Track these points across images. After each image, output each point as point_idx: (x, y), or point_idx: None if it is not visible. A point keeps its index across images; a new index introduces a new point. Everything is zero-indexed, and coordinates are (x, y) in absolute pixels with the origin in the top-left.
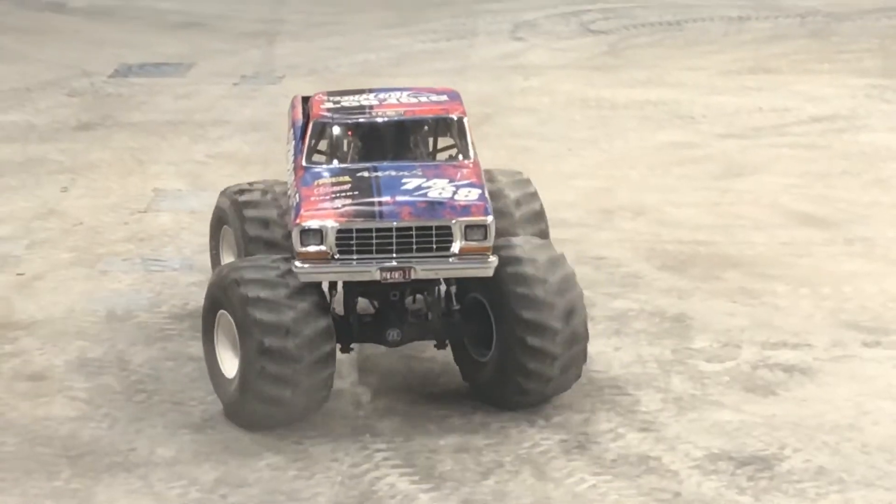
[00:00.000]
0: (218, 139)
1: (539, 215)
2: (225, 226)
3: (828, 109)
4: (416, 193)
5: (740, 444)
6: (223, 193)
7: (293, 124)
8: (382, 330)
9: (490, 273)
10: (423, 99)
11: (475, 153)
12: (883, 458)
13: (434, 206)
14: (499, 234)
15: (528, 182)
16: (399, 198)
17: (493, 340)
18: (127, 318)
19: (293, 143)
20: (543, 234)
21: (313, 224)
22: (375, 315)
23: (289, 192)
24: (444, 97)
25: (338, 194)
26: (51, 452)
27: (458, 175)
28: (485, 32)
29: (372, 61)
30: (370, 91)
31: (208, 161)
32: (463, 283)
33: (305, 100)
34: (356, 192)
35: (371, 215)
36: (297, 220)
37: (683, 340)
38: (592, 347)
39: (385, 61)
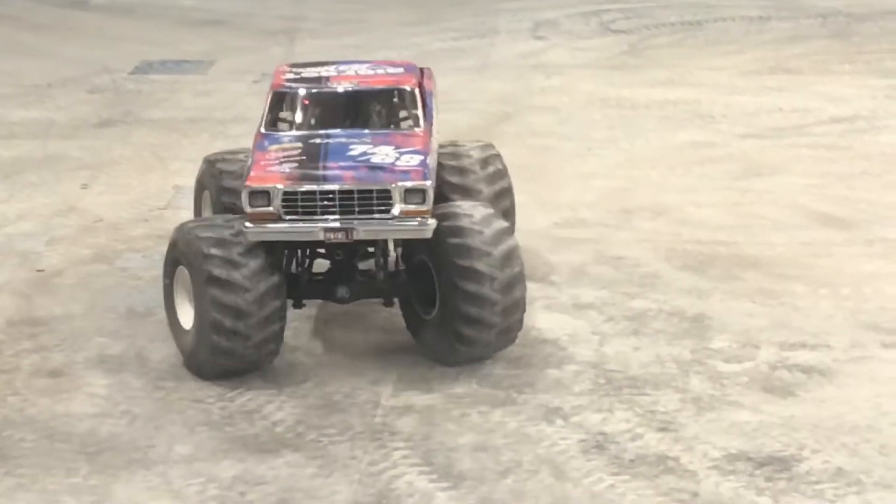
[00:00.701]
0: (238, 136)
1: (506, 192)
2: (205, 190)
3: (848, 110)
4: (360, 159)
5: (759, 445)
6: (204, 160)
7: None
8: (332, 287)
9: (429, 235)
10: (380, 71)
11: (427, 123)
12: None
13: (375, 170)
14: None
15: (497, 157)
16: (343, 163)
17: (436, 299)
18: (147, 315)
19: None
20: (508, 212)
21: (261, 186)
22: (327, 273)
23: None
24: (401, 70)
25: (286, 159)
26: (70, 449)
27: (406, 143)
28: (505, 31)
29: (393, 59)
30: (332, 63)
31: None
32: (410, 245)
33: None
34: (304, 158)
35: (315, 178)
36: (247, 183)
37: (702, 341)
38: (611, 347)
39: (406, 59)
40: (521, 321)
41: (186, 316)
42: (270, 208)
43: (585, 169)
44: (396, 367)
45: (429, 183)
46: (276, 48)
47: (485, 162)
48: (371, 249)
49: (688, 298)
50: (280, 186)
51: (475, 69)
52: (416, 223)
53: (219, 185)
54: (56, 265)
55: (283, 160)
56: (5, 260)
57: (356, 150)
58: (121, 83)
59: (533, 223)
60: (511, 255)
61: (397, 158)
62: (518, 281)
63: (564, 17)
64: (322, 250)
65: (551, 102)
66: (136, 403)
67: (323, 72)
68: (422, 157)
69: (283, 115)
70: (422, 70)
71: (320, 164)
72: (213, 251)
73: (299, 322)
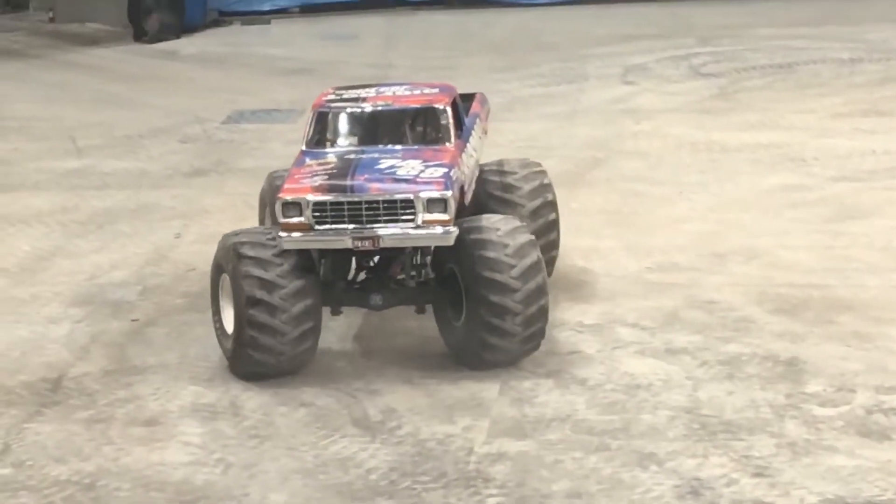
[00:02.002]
0: None
1: (550, 205)
2: (267, 207)
3: None
4: (387, 172)
5: (855, 490)
6: (268, 176)
7: None
8: (366, 295)
9: (450, 242)
10: (417, 92)
11: (459, 140)
12: None
13: (399, 182)
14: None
15: (543, 173)
16: (369, 175)
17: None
18: None
19: None
20: (551, 225)
21: (293, 197)
22: (362, 282)
23: None
24: (436, 90)
25: (318, 172)
26: (164, 497)
27: (434, 157)
28: (595, 76)
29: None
30: (374, 86)
31: None
32: (439, 255)
33: None
34: (335, 171)
35: (343, 189)
36: (279, 195)
37: (797, 385)
38: (705, 392)
39: (495, 106)
40: (543, 330)
41: (229, 321)
42: (302, 218)
43: (676, 213)
44: (489, 413)
45: (449, 193)
46: None
47: (528, 178)
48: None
49: (781, 342)
50: (310, 197)
51: (565, 115)
52: (439, 231)
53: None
54: (149, 315)
55: (315, 174)
56: (99, 310)
57: (384, 164)
58: (212, 133)
59: (625, 268)
60: (533, 268)
61: (422, 171)
62: (540, 292)
63: (654, 62)
64: (368, 264)
65: (642, 147)
66: (230, 452)
67: (363, 93)
68: (445, 170)
69: (324, 133)
70: (474, 94)
71: (349, 177)
72: (249, 253)
73: (389, 367)
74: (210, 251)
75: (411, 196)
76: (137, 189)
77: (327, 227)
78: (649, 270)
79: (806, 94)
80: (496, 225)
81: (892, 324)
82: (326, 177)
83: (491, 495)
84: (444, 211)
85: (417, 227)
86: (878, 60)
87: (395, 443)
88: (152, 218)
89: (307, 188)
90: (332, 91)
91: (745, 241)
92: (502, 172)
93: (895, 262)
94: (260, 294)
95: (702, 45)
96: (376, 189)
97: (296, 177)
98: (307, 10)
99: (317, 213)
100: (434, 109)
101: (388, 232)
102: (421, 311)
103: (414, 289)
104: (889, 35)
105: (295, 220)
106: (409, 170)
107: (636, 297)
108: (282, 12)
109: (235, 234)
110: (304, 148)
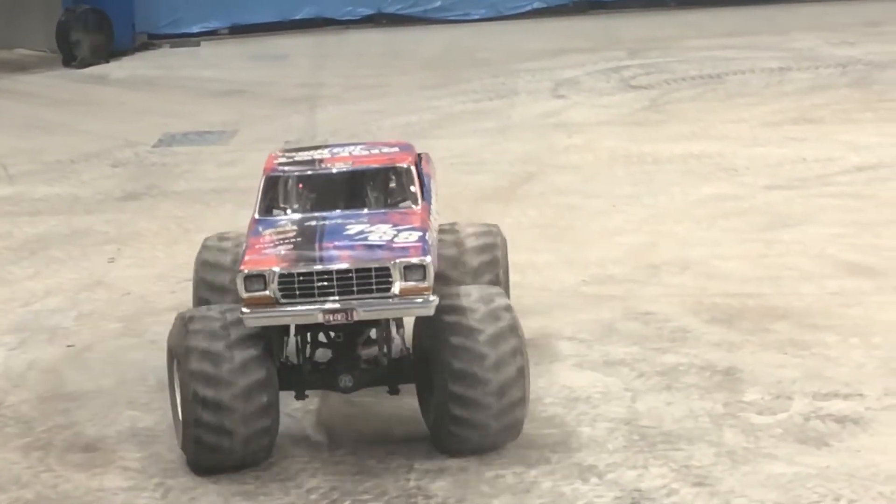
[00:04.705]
0: None
1: (494, 262)
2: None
3: (872, 158)
4: (357, 238)
5: (795, 497)
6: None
7: None
8: (335, 376)
9: (431, 312)
10: (375, 151)
11: (424, 201)
12: None
13: (373, 248)
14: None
15: (495, 233)
16: (339, 243)
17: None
18: None
19: None
20: (494, 281)
21: (256, 270)
22: (329, 362)
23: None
24: (395, 149)
25: (281, 241)
26: None
27: (403, 221)
28: (526, 91)
29: (414, 123)
30: (325, 147)
31: None
32: (416, 331)
33: None
34: (300, 240)
35: (312, 260)
36: (241, 267)
37: (734, 393)
38: (644, 403)
39: (427, 123)
40: (520, 417)
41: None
42: (267, 292)
43: (611, 226)
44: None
45: (428, 259)
46: (296, 116)
47: (477, 235)
48: (374, 336)
49: (718, 352)
50: (276, 269)
51: (497, 130)
52: (418, 301)
53: (199, 259)
54: (85, 340)
55: (278, 243)
56: (34, 336)
57: (353, 229)
58: (144, 156)
59: (561, 282)
60: (509, 357)
61: (395, 236)
62: (515, 382)
63: (585, 75)
64: (324, 339)
65: (574, 161)
66: (169, 475)
67: (316, 155)
68: (420, 234)
69: (277, 199)
70: (420, 155)
71: (316, 246)
72: (199, 344)
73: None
74: (144, 274)
75: (388, 264)
76: (70, 214)
77: (294, 300)
78: (585, 283)
79: (736, 104)
80: (473, 305)
81: (827, 331)
82: (291, 246)
83: None
84: (424, 278)
85: (394, 296)
86: (807, 69)
87: (335, 462)
88: (86, 243)
89: (272, 259)
90: (281, 153)
91: (679, 251)
92: (454, 231)
93: (829, 269)
94: (208, 393)
95: (632, 58)
96: (348, 257)
97: (256, 247)
98: (236, 32)
99: (283, 286)
100: (398, 169)
101: (362, 304)
102: (394, 392)
103: (386, 367)
104: (816, 43)
105: (258, 293)
106: (381, 235)
107: (573, 311)
108: (211, 34)
109: (184, 317)
110: (256, 216)
